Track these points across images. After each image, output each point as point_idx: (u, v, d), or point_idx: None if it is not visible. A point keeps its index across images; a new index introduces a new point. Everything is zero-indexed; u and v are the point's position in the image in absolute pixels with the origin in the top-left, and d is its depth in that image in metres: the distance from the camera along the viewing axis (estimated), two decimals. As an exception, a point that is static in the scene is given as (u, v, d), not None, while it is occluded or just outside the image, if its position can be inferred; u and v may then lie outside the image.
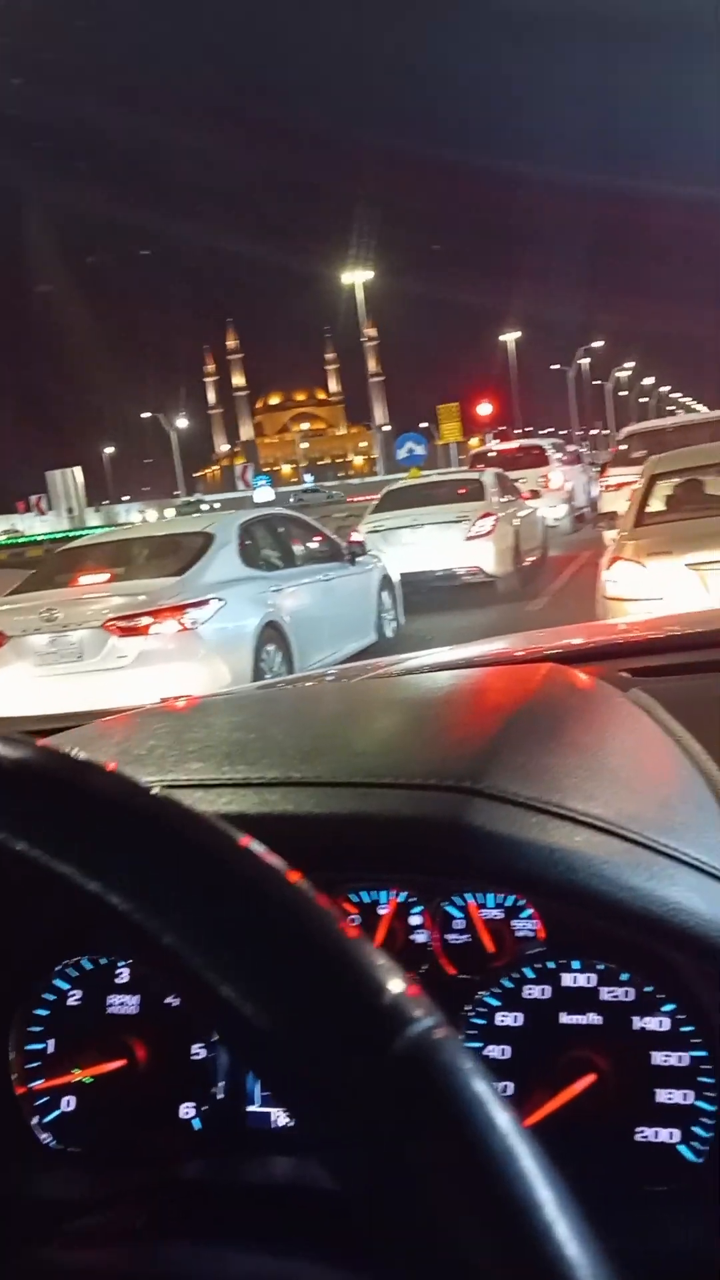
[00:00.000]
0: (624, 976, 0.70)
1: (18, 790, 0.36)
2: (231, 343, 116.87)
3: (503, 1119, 0.29)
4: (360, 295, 58.28)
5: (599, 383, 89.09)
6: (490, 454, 19.84)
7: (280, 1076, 0.31)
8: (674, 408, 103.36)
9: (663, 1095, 0.67)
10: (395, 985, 0.31)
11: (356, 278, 58.04)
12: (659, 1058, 0.68)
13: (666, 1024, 0.68)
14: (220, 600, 6.32)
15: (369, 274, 58.44)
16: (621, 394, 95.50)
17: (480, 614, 9.99)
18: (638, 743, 0.84)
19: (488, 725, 0.78)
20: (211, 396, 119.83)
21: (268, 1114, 0.76)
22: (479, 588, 10.92)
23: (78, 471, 42.81)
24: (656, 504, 6.15)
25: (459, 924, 0.74)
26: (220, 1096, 0.76)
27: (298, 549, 7.96)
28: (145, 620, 6.09)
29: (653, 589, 5.06)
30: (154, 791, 0.37)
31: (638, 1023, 0.69)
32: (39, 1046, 0.80)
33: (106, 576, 6.77)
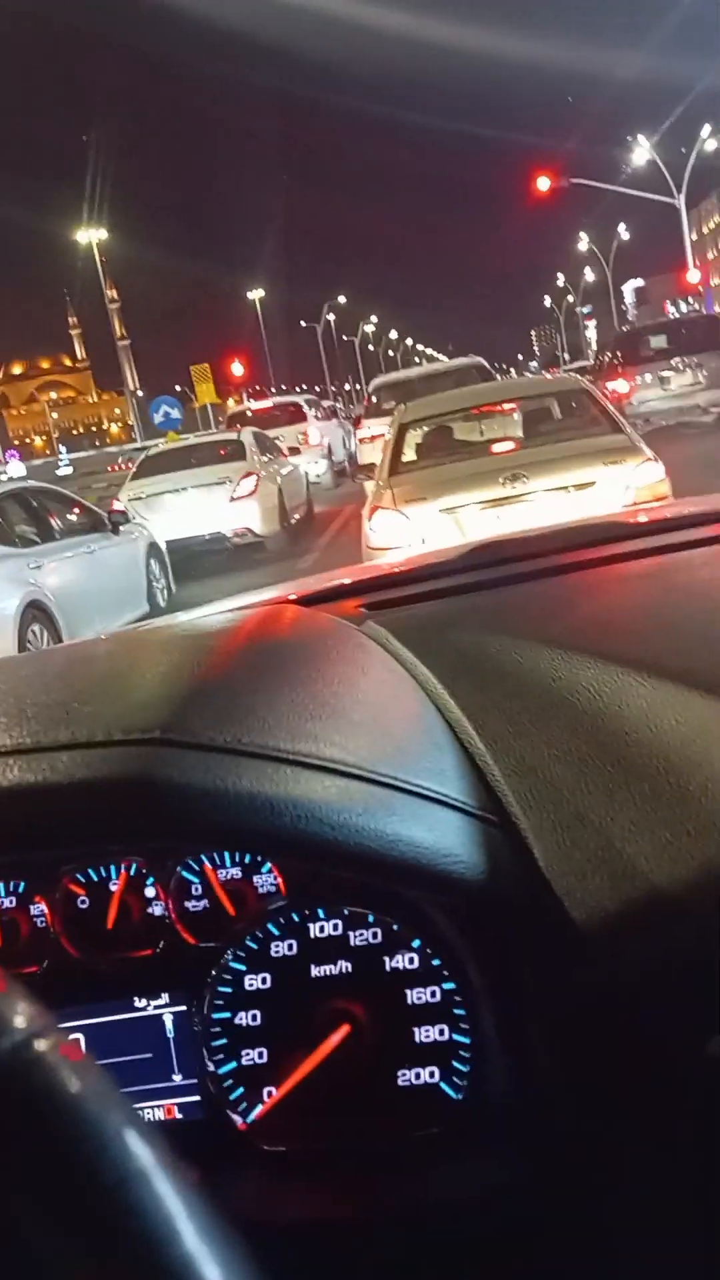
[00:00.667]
0: (370, 918, 0.68)
1: None
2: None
3: (118, 1146, 0.24)
4: (98, 255, 55.97)
5: (347, 339, 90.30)
6: (247, 413, 19.74)
7: None
8: (419, 359, 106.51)
9: (420, 1034, 0.67)
10: None
11: (91, 236, 55.67)
12: (413, 995, 0.67)
13: (416, 961, 0.67)
14: (-26, 582, 5.99)
15: (103, 234, 56.21)
16: (370, 349, 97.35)
17: (252, 575, 9.97)
18: (364, 674, 0.81)
19: (193, 670, 0.73)
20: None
21: None
22: (249, 549, 10.89)
23: None
24: (409, 452, 6.32)
25: (196, 890, 0.71)
26: None
27: (56, 523, 7.63)
28: None
29: (412, 535, 5.22)
30: None
31: (389, 963, 0.68)
32: None
33: None
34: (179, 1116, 0.71)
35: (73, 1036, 0.69)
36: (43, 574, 6.70)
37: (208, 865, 0.71)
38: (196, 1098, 0.70)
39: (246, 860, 0.71)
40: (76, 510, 8.01)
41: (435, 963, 0.67)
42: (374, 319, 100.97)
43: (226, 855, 0.71)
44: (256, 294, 71.28)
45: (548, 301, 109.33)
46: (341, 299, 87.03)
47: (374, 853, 0.58)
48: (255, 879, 0.70)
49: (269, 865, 0.70)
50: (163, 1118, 0.71)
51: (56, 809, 0.57)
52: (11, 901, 0.73)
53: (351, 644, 0.88)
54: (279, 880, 0.70)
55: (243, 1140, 0.68)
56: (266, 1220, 0.61)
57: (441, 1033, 0.67)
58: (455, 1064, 0.67)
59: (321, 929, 0.69)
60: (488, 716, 0.71)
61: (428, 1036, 0.67)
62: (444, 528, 5.18)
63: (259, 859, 0.70)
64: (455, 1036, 0.67)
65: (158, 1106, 0.71)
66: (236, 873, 0.71)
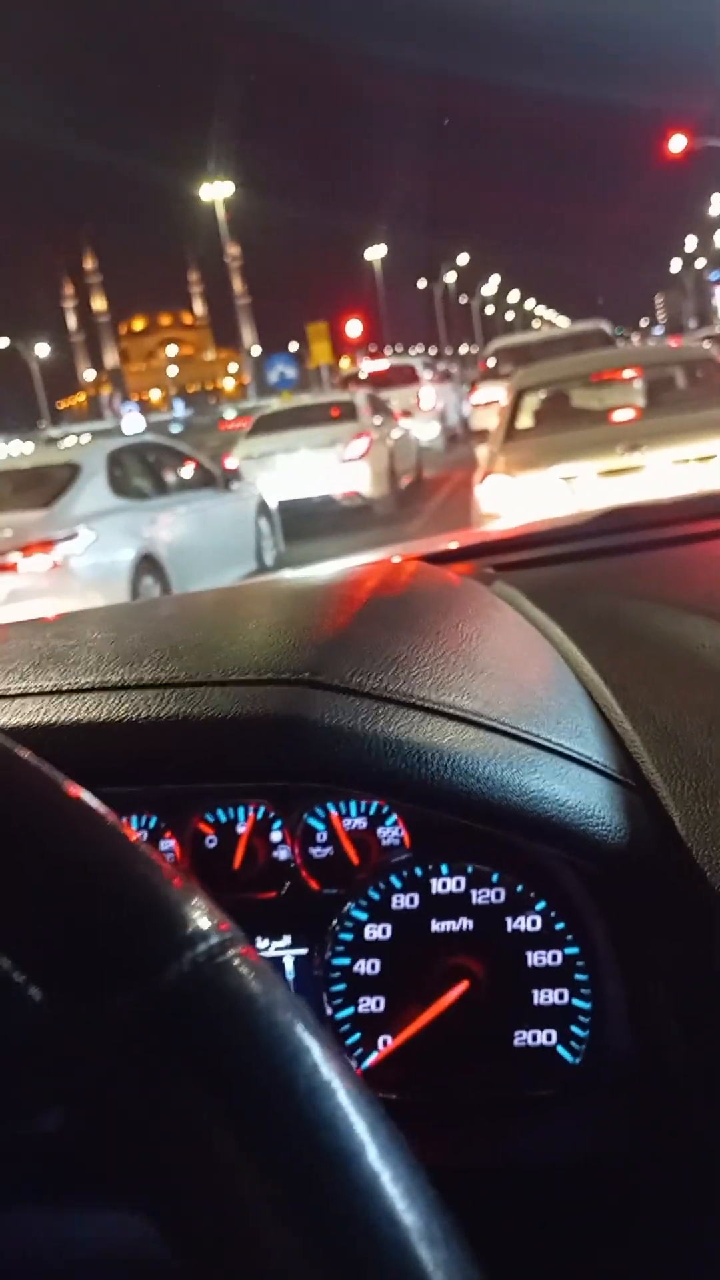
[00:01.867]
0: (494, 878, 0.68)
1: None
2: (90, 264, 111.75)
3: (307, 1048, 0.24)
4: (221, 212, 56.26)
5: (465, 301, 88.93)
6: (361, 375, 19.68)
7: (23, 1021, 0.24)
8: (538, 323, 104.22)
9: (539, 997, 0.67)
10: (175, 897, 0.25)
11: (216, 193, 55.97)
12: (534, 958, 0.67)
13: (539, 923, 0.67)
14: (92, 532, 6.15)
15: (229, 189, 56.38)
16: (488, 311, 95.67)
17: (359, 537, 9.99)
18: (499, 631, 0.81)
19: (335, 617, 0.74)
20: (72, 322, 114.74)
21: None
22: (356, 511, 10.90)
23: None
24: (525, 419, 6.23)
25: (322, 837, 0.72)
26: None
27: (171, 477, 7.77)
28: (13, 557, 5.87)
29: (525, 502, 5.14)
30: None
31: (510, 924, 0.68)
32: None
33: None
34: None
35: None
36: (157, 528, 6.84)
37: (334, 813, 0.71)
38: None
39: (372, 811, 0.71)
40: (191, 466, 8.13)
41: (559, 926, 0.67)
42: (494, 280, 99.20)
43: (353, 805, 0.71)
44: (376, 253, 70.69)
45: (675, 266, 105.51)
46: (462, 259, 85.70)
47: (518, 808, 0.58)
48: (380, 830, 0.71)
49: (394, 818, 0.70)
50: None
51: (208, 742, 0.58)
52: (143, 836, 0.74)
53: (485, 601, 0.88)
54: (404, 833, 0.70)
55: None
56: None
57: (561, 996, 0.67)
58: (574, 1029, 0.67)
59: (444, 885, 0.69)
60: (626, 681, 0.70)
61: (546, 1000, 0.67)
62: (557, 496, 5.09)
63: (384, 811, 0.70)
64: (575, 1001, 0.67)
65: None
66: (362, 823, 0.71)
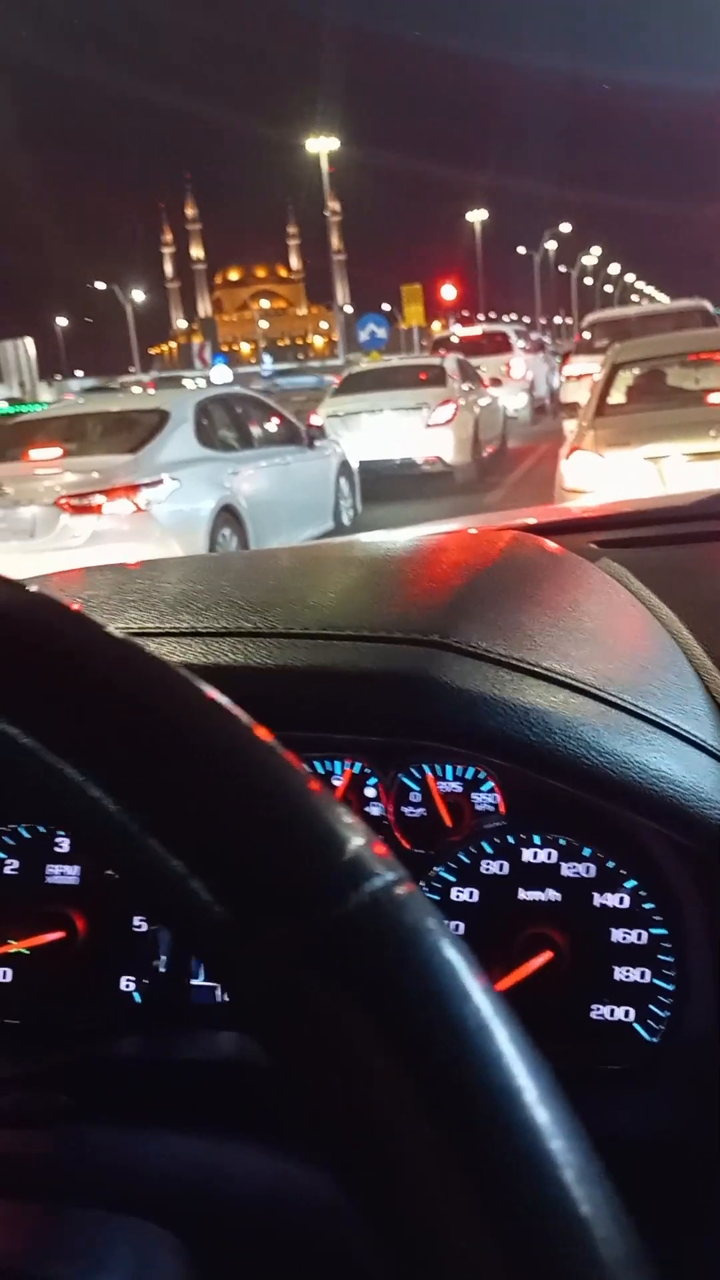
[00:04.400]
0: (586, 852, 0.68)
1: None
2: (190, 211, 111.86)
3: (476, 986, 0.25)
4: (325, 166, 55.74)
5: (564, 270, 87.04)
6: (453, 339, 19.44)
7: (211, 939, 0.25)
8: (637, 297, 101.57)
9: (620, 973, 0.67)
10: (354, 833, 0.26)
11: (321, 147, 55.42)
12: (618, 935, 0.67)
13: (627, 901, 0.67)
14: (175, 480, 6.22)
15: (334, 144, 55.77)
16: (586, 282, 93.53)
17: (437, 504, 9.94)
18: (612, 608, 0.81)
19: (455, 581, 0.75)
20: (169, 269, 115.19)
21: (213, 988, 0.74)
22: (436, 477, 10.84)
23: (29, 342, 41.17)
24: (617, 395, 6.11)
25: (415, 797, 0.72)
26: (162, 970, 0.74)
27: (255, 431, 7.81)
28: (98, 499, 5.98)
29: (610, 480, 5.06)
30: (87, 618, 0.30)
31: (598, 899, 0.68)
32: None
33: (59, 452, 6.61)
34: None
35: None
36: (238, 480, 6.90)
37: (430, 774, 0.72)
38: None
39: (468, 776, 0.71)
40: (276, 420, 8.16)
41: (648, 906, 0.67)
42: (595, 251, 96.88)
43: (449, 768, 0.71)
44: (477, 216, 69.46)
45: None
46: (564, 228, 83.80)
47: (633, 783, 0.58)
48: (474, 795, 0.71)
49: (490, 784, 0.71)
50: None
51: (341, 694, 0.60)
52: None
53: (596, 577, 0.88)
54: (499, 800, 0.71)
55: None
56: None
57: (643, 975, 0.67)
58: (653, 1007, 0.67)
59: (535, 855, 0.69)
60: None
61: (628, 976, 0.67)
62: (645, 476, 5.00)
63: (480, 777, 0.71)
64: (656, 980, 0.67)
65: None
66: (457, 786, 0.71)
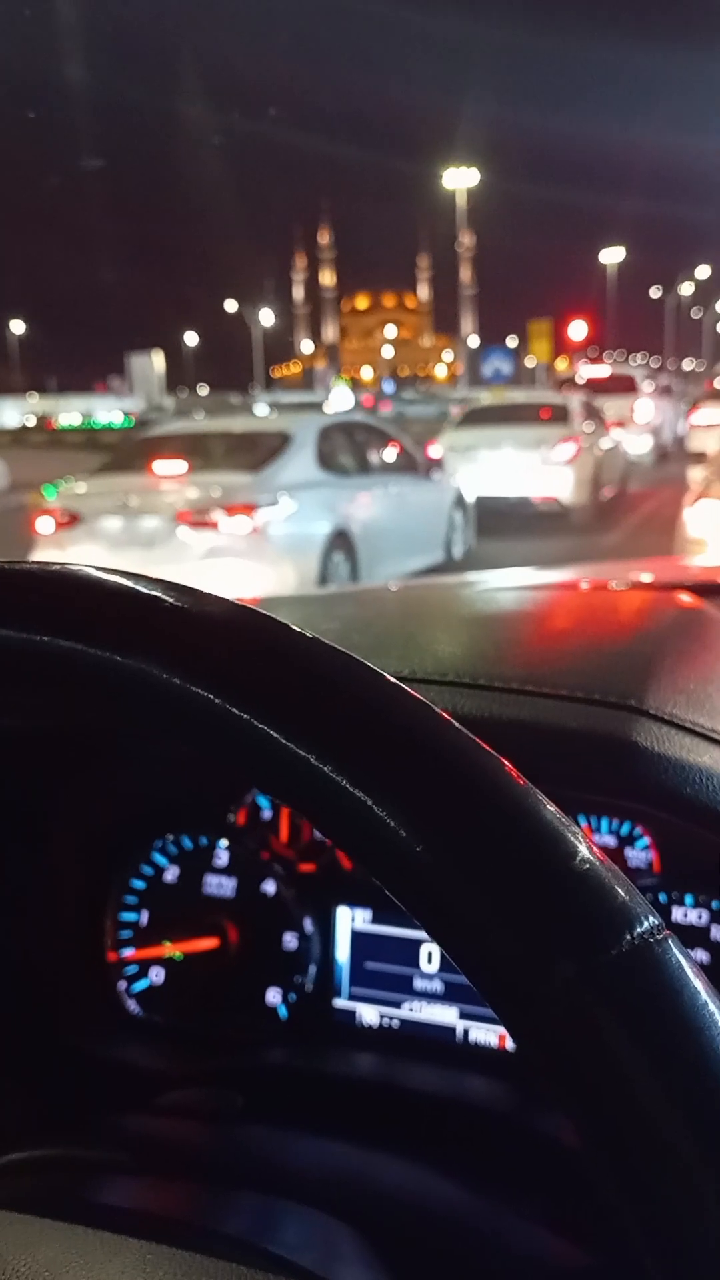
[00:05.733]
0: None
1: (266, 667, 0.31)
2: (324, 240, 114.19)
3: None
4: (462, 201, 56.22)
5: (697, 315, 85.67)
6: (579, 379, 19.28)
7: (503, 976, 0.28)
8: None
9: None
10: (621, 886, 0.29)
11: (458, 180, 55.82)
12: None
13: None
14: (293, 502, 6.29)
15: (472, 177, 56.12)
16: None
17: (552, 543, 9.81)
18: None
19: (643, 646, 0.77)
20: (299, 294, 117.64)
21: (354, 1010, 0.76)
22: (553, 517, 10.71)
23: (158, 356, 42.50)
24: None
25: None
26: (308, 988, 0.77)
27: (374, 458, 7.85)
28: (217, 515, 6.08)
29: (736, 534, 4.92)
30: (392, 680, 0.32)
31: None
32: (133, 918, 0.81)
33: (183, 468, 6.76)
34: (510, 1047, 0.74)
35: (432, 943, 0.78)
36: (354, 505, 6.93)
37: (586, 826, 0.73)
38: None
39: (624, 832, 0.72)
40: (396, 449, 8.19)
41: None
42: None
43: (605, 821, 0.72)
44: (612, 255, 69.01)
45: None
46: (702, 272, 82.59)
47: None
48: (628, 851, 0.72)
49: (646, 841, 0.71)
50: (495, 1044, 0.75)
51: (543, 749, 0.62)
52: None
53: None
54: (654, 857, 0.71)
55: None
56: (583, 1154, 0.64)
57: None
58: None
59: (685, 915, 0.70)
60: None
61: None
62: (772, 532, 4.84)
63: (635, 833, 0.72)
64: None
65: (492, 1031, 0.75)
66: (611, 841, 0.72)
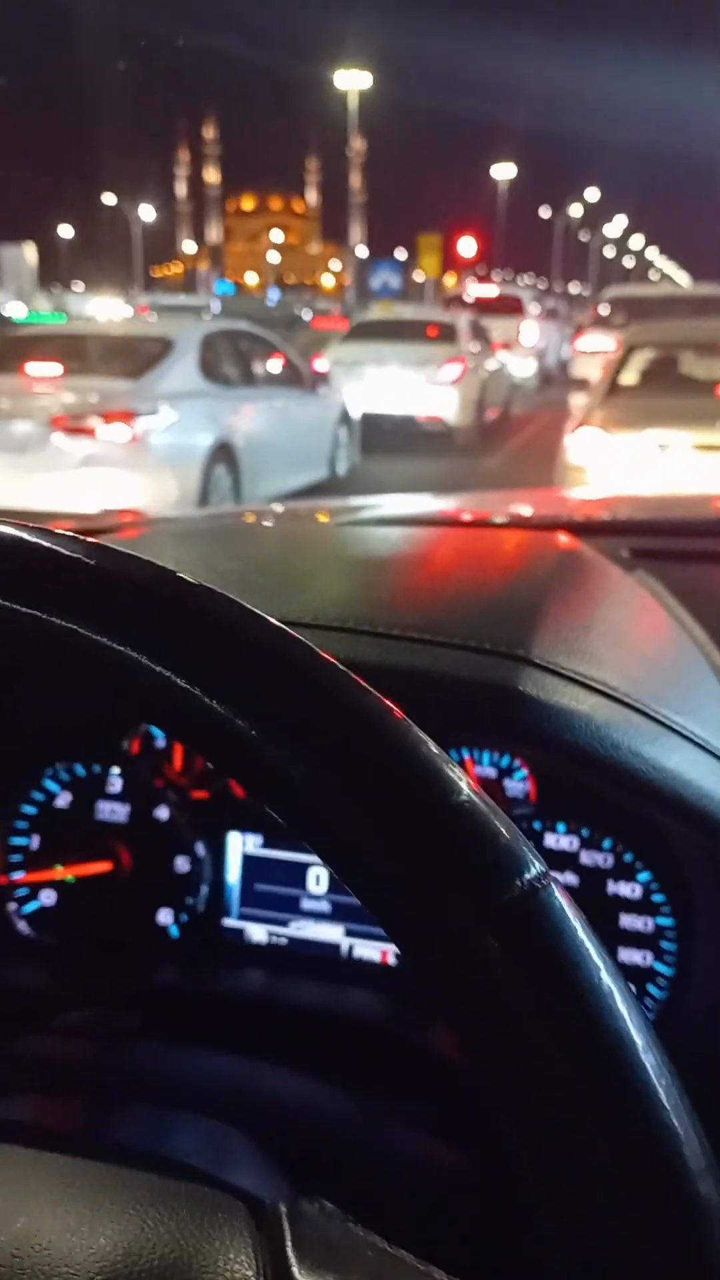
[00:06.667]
0: (606, 844, 0.73)
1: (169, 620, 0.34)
2: (210, 134, 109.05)
3: (606, 967, 0.31)
4: (354, 103, 54.38)
5: (585, 239, 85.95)
6: (467, 297, 19.17)
7: (399, 915, 0.32)
8: (656, 275, 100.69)
9: (623, 955, 0.72)
10: (508, 834, 0.32)
11: (351, 82, 53.90)
12: (626, 920, 0.72)
13: (639, 891, 0.72)
14: (174, 411, 6.10)
15: (365, 80, 54.24)
16: (607, 251, 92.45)
17: (435, 463, 9.85)
18: (654, 625, 0.86)
19: (528, 593, 0.80)
20: (182, 190, 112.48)
21: (243, 929, 0.79)
22: (437, 436, 10.73)
23: (30, 249, 40.21)
24: (630, 376, 6.06)
25: None
26: (199, 908, 0.79)
27: (259, 369, 7.67)
28: (94, 421, 5.86)
29: (614, 460, 5.04)
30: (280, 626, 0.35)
31: (611, 888, 0.73)
32: (23, 842, 0.82)
33: (59, 370, 6.45)
34: (392, 963, 0.78)
35: (319, 866, 0.78)
36: (237, 418, 6.78)
37: (468, 758, 0.75)
38: None
39: (503, 764, 0.76)
40: (281, 361, 8.01)
41: (657, 898, 0.72)
42: (621, 220, 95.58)
43: (487, 754, 0.75)
44: (504, 172, 68.14)
45: None
46: (591, 194, 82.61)
47: (661, 785, 0.63)
48: (506, 782, 0.75)
49: (524, 773, 0.75)
50: (377, 959, 0.78)
51: (435, 696, 0.64)
52: None
53: (638, 593, 0.93)
54: (530, 788, 0.75)
55: None
56: (461, 1064, 0.66)
57: (644, 958, 0.72)
58: (651, 988, 0.72)
59: (557, 841, 0.74)
60: None
61: (629, 959, 0.72)
62: (649, 460, 4.98)
63: (514, 765, 0.75)
64: (657, 965, 0.72)
65: (375, 948, 0.78)
66: (491, 772, 0.75)
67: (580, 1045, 0.29)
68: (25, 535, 0.36)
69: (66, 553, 0.35)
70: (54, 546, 0.35)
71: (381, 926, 0.32)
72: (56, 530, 0.36)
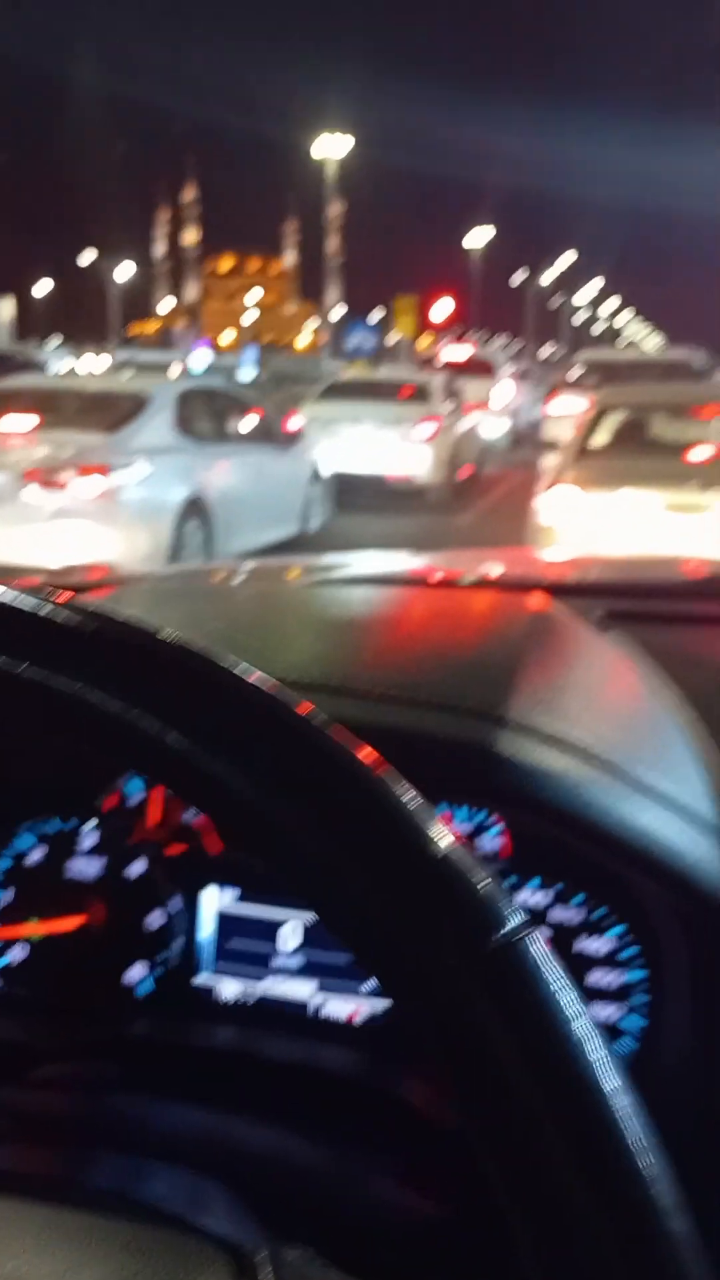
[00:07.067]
0: (578, 899, 0.74)
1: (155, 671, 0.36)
2: (190, 195, 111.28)
3: (581, 1014, 0.32)
4: (332, 168, 55.73)
5: (559, 302, 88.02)
6: (440, 358, 19.51)
7: (384, 960, 0.33)
8: (625, 340, 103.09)
9: (596, 1008, 0.72)
10: (488, 886, 0.33)
11: (330, 148, 55.33)
12: (597, 976, 0.73)
13: (611, 946, 0.73)
14: (148, 466, 6.11)
15: (345, 144, 55.73)
16: (578, 317, 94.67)
17: (407, 521, 9.93)
18: (629, 687, 0.88)
19: (501, 653, 0.83)
20: (160, 249, 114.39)
21: (213, 985, 0.80)
22: (409, 494, 10.83)
23: (7, 304, 40.64)
24: (601, 437, 6.16)
25: None
26: (172, 964, 0.79)
27: (233, 426, 7.72)
28: (67, 475, 5.85)
29: (585, 520, 5.11)
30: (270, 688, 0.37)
31: (583, 942, 0.74)
32: None
33: (34, 423, 6.46)
34: (361, 1020, 0.78)
35: (292, 924, 0.79)
36: (211, 474, 6.80)
37: (447, 813, 0.76)
38: (381, 1008, 0.77)
39: (478, 820, 0.76)
40: (256, 418, 8.07)
41: (629, 952, 0.73)
42: (596, 283, 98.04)
43: (465, 810, 0.76)
44: (479, 236, 69.87)
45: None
46: (567, 258, 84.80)
47: (631, 843, 0.64)
48: (481, 839, 0.76)
49: (499, 829, 0.75)
50: (345, 1017, 0.78)
51: (411, 755, 0.64)
52: None
53: (613, 654, 0.94)
54: (504, 842, 0.76)
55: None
56: (431, 1118, 0.68)
57: (616, 1011, 0.73)
58: (623, 1040, 0.72)
59: (529, 897, 0.75)
60: None
61: (602, 1013, 0.72)
62: (619, 520, 5.05)
63: (490, 820, 0.76)
64: (629, 1018, 0.73)
65: (345, 1005, 0.78)
66: (468, 827, 0.76)
67: (555, 1088, 0.31)
68: (33, 603, 0.37)
69: (76, 619, 0.37)
70: (64, 614, 0.37)
71: (365, 969, 0.34)
72: (60, 597, 0.38)
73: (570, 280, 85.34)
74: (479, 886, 0.33)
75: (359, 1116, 0.69)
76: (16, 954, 0.82)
